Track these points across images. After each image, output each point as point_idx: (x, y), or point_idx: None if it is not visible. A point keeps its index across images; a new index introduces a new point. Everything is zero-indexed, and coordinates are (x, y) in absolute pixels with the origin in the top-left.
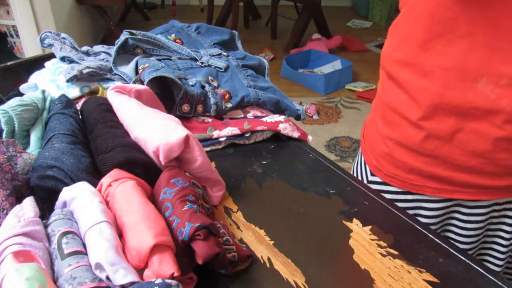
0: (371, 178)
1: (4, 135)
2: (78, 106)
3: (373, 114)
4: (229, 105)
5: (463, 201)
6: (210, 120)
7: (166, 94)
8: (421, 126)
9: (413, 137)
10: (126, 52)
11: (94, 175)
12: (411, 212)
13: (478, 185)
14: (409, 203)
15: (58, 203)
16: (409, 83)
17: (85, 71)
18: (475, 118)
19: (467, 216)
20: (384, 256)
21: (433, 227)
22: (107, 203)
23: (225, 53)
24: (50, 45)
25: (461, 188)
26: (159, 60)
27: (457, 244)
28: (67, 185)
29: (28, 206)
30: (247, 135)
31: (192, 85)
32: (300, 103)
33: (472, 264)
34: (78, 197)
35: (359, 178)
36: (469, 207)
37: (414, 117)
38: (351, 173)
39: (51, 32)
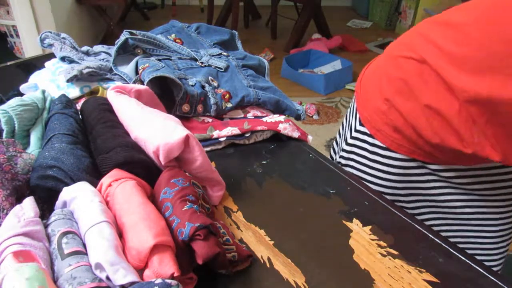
0: (358, 127)
1: (4, 135)
2: (78, 106)
3: (385, 63)
4: (229, 105)
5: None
6: (210, 120)
7: (166, 94)
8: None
9: (417, 117)
10: (126, 52)
11: (94, 175)
12: (391, 170)
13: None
14: (389, 160)
15: (58, 203)
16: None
17: (85, 71)
18: None
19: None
20: (384, 256)
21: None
22: (107, 203)
23: (225, 53)
24: (50, 45)
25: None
26: (159, 60)
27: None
28: (67, 185)
29: (28, 206)
30: (247, 135)
31: (192, 85)
32: (300, 103)
33: (472, 264)
34: (78, 197)
35: (348, 125)
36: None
37: (422, 99)
38: (344, 119)
39: (51, 32)
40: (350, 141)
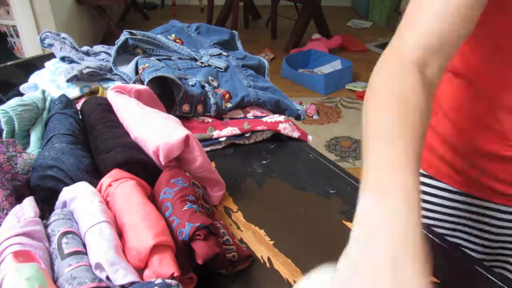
0: None
1: (4, 135)
2: (78, 106)
3: None
4: (229, 105)
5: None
6: (210, 120)
7: (166, 94)
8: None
9: (443, 124)
10: (126, 52)
11: (94, 175)
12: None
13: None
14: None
15: (58, 203)
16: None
17: (85, 71)
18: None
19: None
20: None
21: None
22: (107, 203)
23: (225, 53)
24: (50, 45)
25: (469, 183)
26: (159, 60)
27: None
28: (67, 185)
29: (28, 206)
30: (247, 135)
31: (192, 85)
32: (300, 103)
33: (472, 264)
34: (78, 197)
35: None
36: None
37: (446, 106)
38: None
39: (51, 32)
40: None
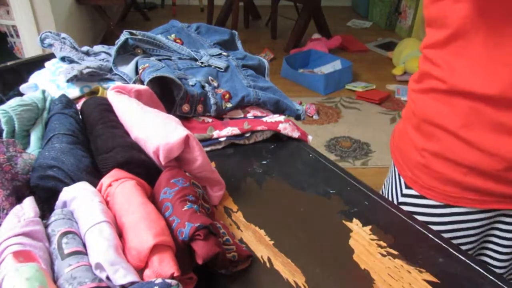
0: (405, 191)
1: (4, 135)
2: (78, 106)
3: (404, 124)
4: (229, 105)
5: (505, 211)
6: (210, 120)
7: (166, 94)
8: (461, 136)
9: (453, 147)
10: (126, 52)
11: (94, 175)
12: (449, 227)
13: None
14: (447, 217)
15: (58, 203)
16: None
17: (85, 71)
18: None
19: (509, 226)
20: (384, 256)
21: (472, 243)
22: (107, 203)
23: (225, 53)
24: (50, 45)
25: (501, 199)
26: (159, 60)
27: (494, 262)
28: (67, 185)
29: (28, 206)
30: (247, 135)
31: (192, 85)
32: (300, 103)
33: (472, 264)
34: (78, 197)
35: (393, 191)
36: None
37: (453, 126)
38: (383, 187)
39: (51, 32)
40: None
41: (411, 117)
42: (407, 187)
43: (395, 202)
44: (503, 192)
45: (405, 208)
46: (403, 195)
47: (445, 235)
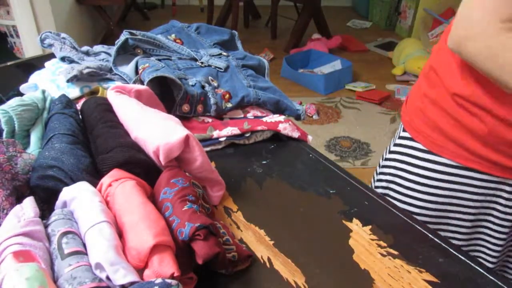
0: (402, 134)
1: (4, 135)
2: (78, 106)
3: (420, 77)
4: (229, 105)
5: (504, 185)
6: (210, 120)
7: (166, 94)
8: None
9: (447, 99)
10: (126, 52)
11: (94, 175)
12: (432, 174)
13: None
14: (430, 164)
15: (58, 203)
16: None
17: (85, 71)
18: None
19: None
20: (384, 256)
21: (470, 208)
22: (107, 203)
23: (225, 53)
24: (50, 45)
25: (482, 161)
26: (159, 60)
27: (495, 233)
28: (67, 185)
29: (28, 206)
30: (247, 135)
31: (192, 85)
32: (300, 103)
33: (472, 264)
34: (78, 197)
35: (394, 137)
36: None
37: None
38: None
39: (51, 32)
40: (392, 148)
41: (426, 66)
42: (403, 130)
43: (392, 144)
44: (482, 155)
45: (398, 149)
46: (400, 138)
47: (444, 193)
